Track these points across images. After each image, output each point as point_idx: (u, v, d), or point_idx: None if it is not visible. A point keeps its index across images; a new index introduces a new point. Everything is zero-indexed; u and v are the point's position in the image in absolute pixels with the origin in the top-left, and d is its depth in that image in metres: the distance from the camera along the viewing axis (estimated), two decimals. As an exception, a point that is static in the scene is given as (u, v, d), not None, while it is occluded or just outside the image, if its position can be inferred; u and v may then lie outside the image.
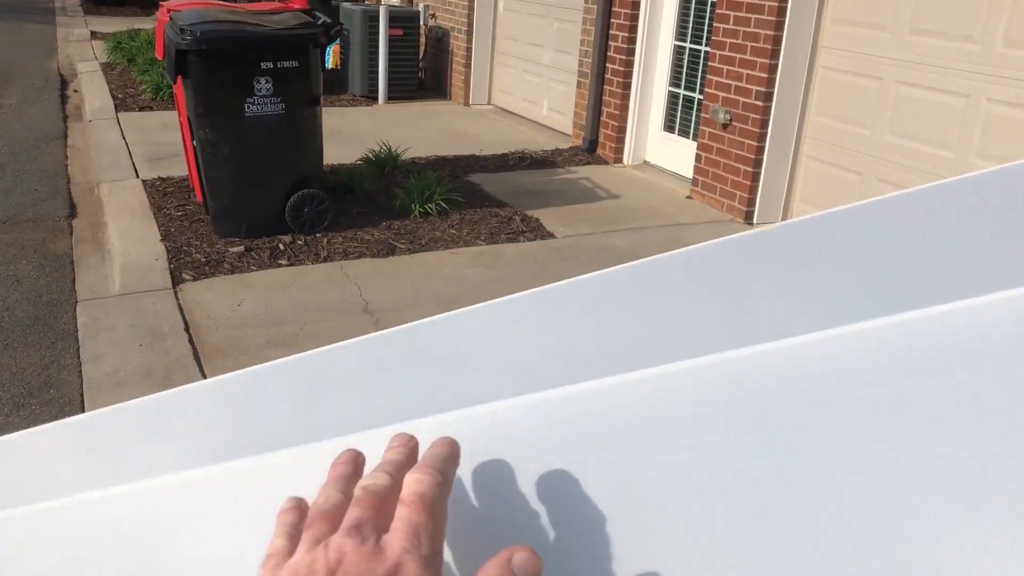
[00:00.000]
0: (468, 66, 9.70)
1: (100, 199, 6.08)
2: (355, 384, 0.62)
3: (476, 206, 6.10)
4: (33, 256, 5.03)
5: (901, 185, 5.20)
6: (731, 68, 5.98)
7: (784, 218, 6.04)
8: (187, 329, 4.18)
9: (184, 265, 4.85)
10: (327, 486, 0.50)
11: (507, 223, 5.78)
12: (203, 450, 0.60)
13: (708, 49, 6.39)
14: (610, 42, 7.30)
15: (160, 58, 5.27)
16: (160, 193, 6.00)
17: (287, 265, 4.96)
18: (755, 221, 6.00)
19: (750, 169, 5.91)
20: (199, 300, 4.48)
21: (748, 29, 5.80)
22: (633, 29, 7.10)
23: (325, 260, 5.03)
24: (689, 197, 6.51)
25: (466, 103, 9.82)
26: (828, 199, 5.71)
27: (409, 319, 0.65)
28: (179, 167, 6.58)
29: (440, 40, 10.25)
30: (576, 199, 6.42)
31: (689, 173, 6.67)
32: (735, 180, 6.05)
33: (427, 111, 9.52)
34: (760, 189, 5.95)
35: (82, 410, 3.47)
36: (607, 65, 7.38)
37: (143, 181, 6.30)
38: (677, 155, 7.07)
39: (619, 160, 7.44)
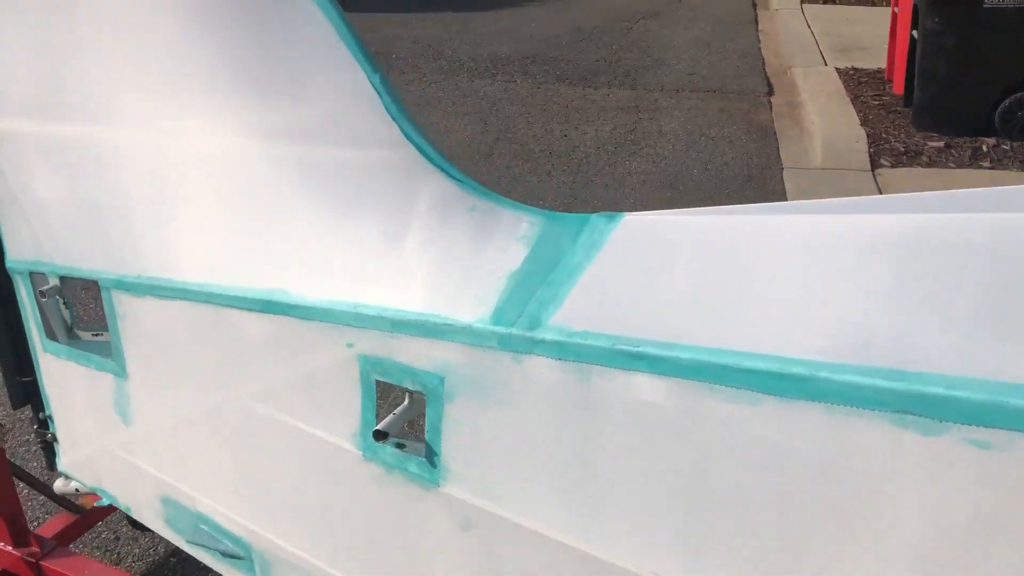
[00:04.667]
0: None
1: (793, 81, 6.43)
2: None
3: None
4: (740, 123, 5.57)
5: None
6: None
7: None
8: (887, 210, 4.29)
9: (882, 151, 4.95)
10: None
11: None
12: None
13: None
14: None
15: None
16: (854, 82, 6.13)
17: (988, 168, 4.77)
18: None
19: None
20: (897, 186, 4.57)
21: None
22: None
23: (1032, 169, 4.72)
24: None
25: None
26: None
27: None
28: (865, 59, 6.63)
29: None
30: None
31: None
32: None
33: None
34: None
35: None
36: None
37: (836, 69, 6.49)
38: None
39: None
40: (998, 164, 4.78)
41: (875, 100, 5.72)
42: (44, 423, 1.65)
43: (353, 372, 1.11)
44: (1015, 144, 4.96)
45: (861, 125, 5.27)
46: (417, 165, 1.12)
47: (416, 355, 1.05)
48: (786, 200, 4.43)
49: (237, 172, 1.18)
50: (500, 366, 0.98)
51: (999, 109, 4.96)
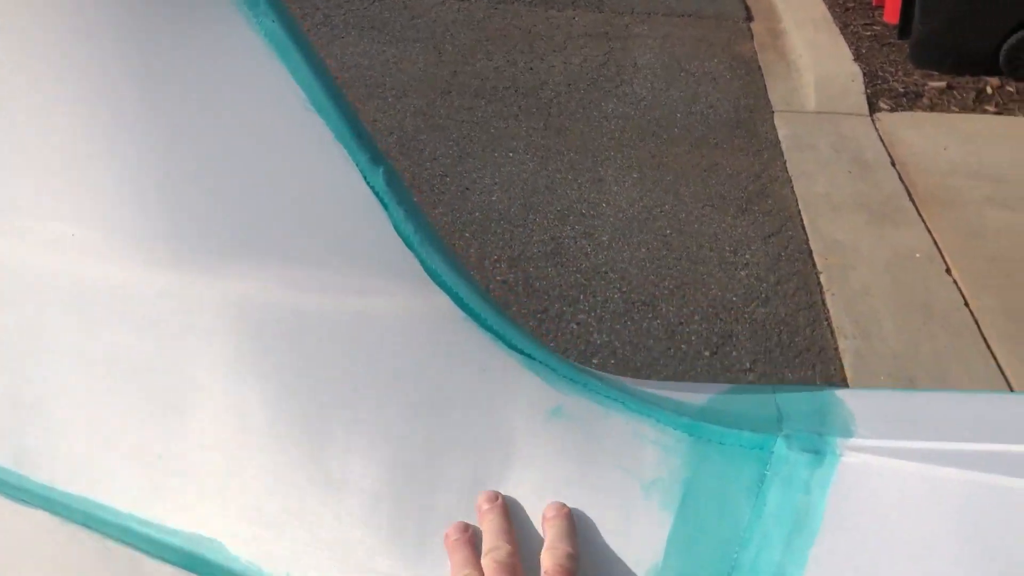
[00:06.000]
0: None
1: (772, 4, 5.91)
2: None
3: None
4: (721, 55, 5.06)
5: None
6: None
7: None
8: (893, 164, 3.89)
9: (880, 92, 4.51)
10: (457, 568, 0.54)
11: None
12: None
13: None
14: None
15: None
16: (841, 8, 5.63)
17: (994, 112, 4.38)
18: None
19: None
20: (899, 135, 4.15)
21: None
22: None
23: (1040, 115, 4.34)
24: None
25: None
26: None
27: None
28: (849, -20, 6.12)
29: None
30: None
31: None
32: None
33: None
34: None
35: (803, 230, 3.42)
36: None
37: (818, -9, 5.97)
38: None
39: None
40: (1004, 109, 4.39)
41: (866, 31, 5.24)
42: None
43: None
44: (1020, 86, 4.57)
45: (854, 61, 4.80)
46: (454, 328, 0.63)
47: None
48: (781, 150, 3.99)
49: (134, 320, 0.67)
50: None
51: (1005, 47, 4.53)
